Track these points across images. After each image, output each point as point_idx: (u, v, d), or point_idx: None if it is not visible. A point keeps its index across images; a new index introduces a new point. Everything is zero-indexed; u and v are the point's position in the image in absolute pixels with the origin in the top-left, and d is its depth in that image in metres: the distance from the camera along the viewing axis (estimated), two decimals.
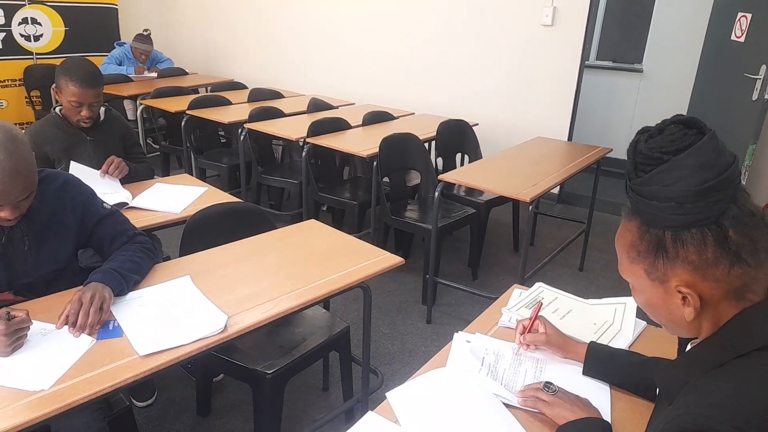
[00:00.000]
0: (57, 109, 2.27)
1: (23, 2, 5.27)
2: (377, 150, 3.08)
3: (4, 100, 5.37)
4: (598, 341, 1.28)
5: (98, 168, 2.21)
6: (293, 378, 1.80)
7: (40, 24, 5.45)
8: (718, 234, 0.73)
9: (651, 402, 1.11)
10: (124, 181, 2.26)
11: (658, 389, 0.98)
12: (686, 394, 0.76)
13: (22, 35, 5.34)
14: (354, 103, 4.66)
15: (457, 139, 3.75)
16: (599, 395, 1.16)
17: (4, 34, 5.23)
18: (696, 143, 0.73)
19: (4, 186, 1.31)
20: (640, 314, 1.23)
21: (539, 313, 1.30)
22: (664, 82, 5.07)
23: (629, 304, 1.46)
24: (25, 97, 5.45)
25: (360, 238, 1.90)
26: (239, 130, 3.71)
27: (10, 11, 5.21)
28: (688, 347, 0.87)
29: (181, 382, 2.29)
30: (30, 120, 5.34)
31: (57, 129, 2.24)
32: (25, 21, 5.33)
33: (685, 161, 0.72)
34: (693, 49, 4.39)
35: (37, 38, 5.46)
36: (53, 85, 2.24)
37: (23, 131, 1.96)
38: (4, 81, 5.34)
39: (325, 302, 2.08)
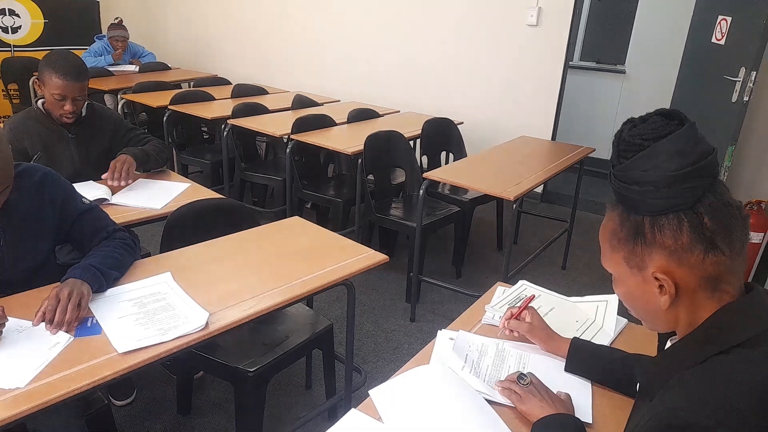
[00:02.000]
0: (39, 102, 2.17)
1: None
2: (362, 147, 3.07)
3: None
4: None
5: (79, 166, 2.16)
6: (276, 376, 1.78)
7: (18, 15, 5.34)
8: (693, 220, 0.75)
9: (632, 398, 1.12)
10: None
11: (639, 385, 0.99)
12: (668, 390, 0.76)
13: None
14: (339, 101, 4.64)
15: (442, 137, 3.76)
16: (581, 390, 1.17)
17: None
18: (675, 131, 0.76)
19: None
20: (622, 311, 1.24)
21: (530, 305, 1.31)
22: (647, 83, 5.14)
23: (611, 301, 1.47)
24: (2, 90, 5.34)
25: (344, 236, 1.89)
26: (222, 126, 3.67)
27: None
28: (668, 344, 0.88)
29: (161, 380, 2.26)
30: (7, 114, 5.23)
31: (38, 124, 2.15)
32: (2, 12, 5.22)
33: (664, 147, 0.75)
34: (675, 51, 4.45)
35: (15, 30, 5.35)
36: (34, 78, 2.17)
37: (1, 124, 1.91)
38: None
39: (308, 300, 2.07)
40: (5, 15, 5.25)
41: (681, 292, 0.78)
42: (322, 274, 1.60)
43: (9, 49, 5.33)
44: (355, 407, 1.09)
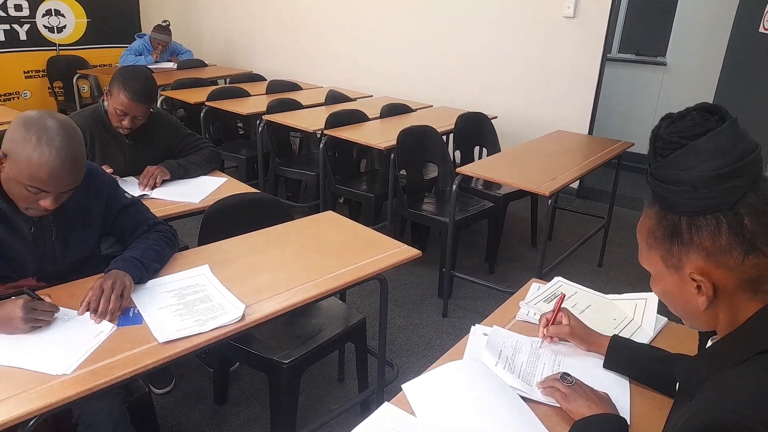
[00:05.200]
0: (105, 103, 2.20)
1: None
2: (395, 142, 3.07)
3: (28, 90, 5.46)
4: None
5: (129, 170, 2.21)
6: (309, 368, 1.81)
7: (63, 15, 5.52)
8: (732, 221, 0.72)
9: (671, 398, 1.09)
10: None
11: (678, 385, 0.97)
12: (708, 390, 0.74)
13: (45, 27, 5.42)
14: (372, 96, 4.65)
15: (476, 132, 3.72)
16: (619, 390, 1.15)
17: (28, 25, 5.31)
18: (715, 129, 0.73)
19: (61, 173, 1.32)
20: (662, 310, 1.21)
21: (562, 305, 1.29)
22: (689, 76, 4.97)
23: (650, 299, 1.44)
24: (48, 88, 5.54)
25: (376, 231, 1.90)
26: (257, 122, 3.72)
27: (34, 3, 5.28)
28: (709, 343, 0.86)
29: (198, 370, 2.32)
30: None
31: (100, 123, 2.18)
32: (48, 13, 5.41)
33: (702, 146, 0.72)
34: (718, 42, 4.28)
35: (60, 29, 5.53)
36: (106, 88, 2.18)
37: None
38: (29, 72, 5.43)
39: (341, 293, 2.09)
40: (51, 15, 5.43)
41: (720, 293, 0.76)
42: (355, 269, 1.61)
43: (55, 48, 5.52)
44: (387, 401, 1.10)
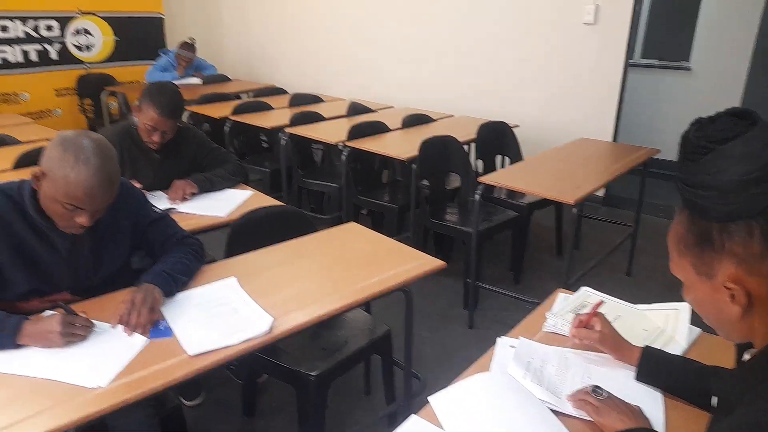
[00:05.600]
0: (135, 119, 2.26)
1: (76, 14, 5.51)
2: (416, 153, 3.08)
3: (59, 108, 5.62)
4: None
5: (158, 183, 2.25)
6: (335, 381, 1.81)
7: (91, 34, 5.68)
8: (765, 227, 0.71)
9: (706, 411, 1.07)
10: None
11: (715, 399, 0.94)
12: (748, 404, 0.73)
13: (75, 46, 5.58)
14: (393, 107, 4.67)
15: (498, 141, 3.71)
16: (652, 403, 1.13)
17: (59, 45, 5.47)
18: (744, 133, 0.71)
19: (97, 191, 1.36)
20: (695, 321, 1.19)
21: (599, 311, 1.28)
22: (714, 80, 4.89)
23: (683, 309, 1.41)
24: (78, 105, 5.69)
25: (400, 242, 1.90)
26: (280, 135, 3.77)
27: (64, 23, 5.45)
28: (746, 356, 0.84)
29: (226, 382, 2.34)
30: (83, 128, 5.57)
31: (130, 138, 2.26)
32: (78, 32, 5.57)
33: (731, 151, 0.71)
34: (744, 45, 4.22)
35: (89, 48, 5.69)
36: (136, 104, 2.24)
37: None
38: (60, 90, 5.58)
39: (366, 305, 2.09)
40: (80, 34, 5.59)
41: (754, 301, 0.74)
42: (380, 280, 1.61)
43: (84, 66, 5.68)
44: (414, 413, 1.10)
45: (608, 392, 1.09)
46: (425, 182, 3.22)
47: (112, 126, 2.42)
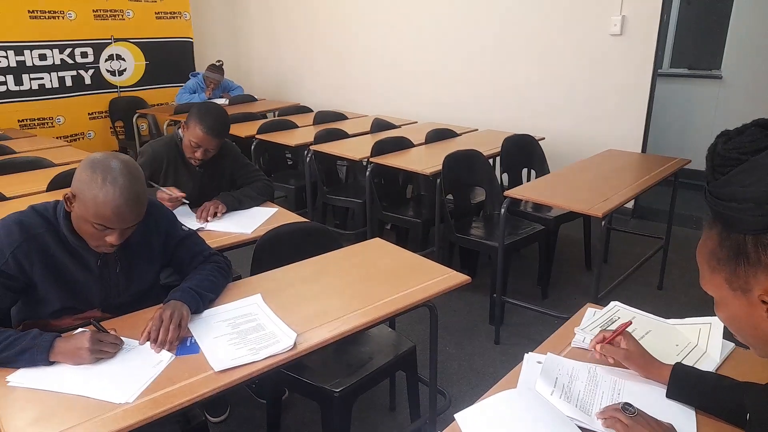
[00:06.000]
0: (181, 134, 2.35)
1: (110, 40, 5.71)
2: (440, 167, 3.08)
3: (92, 131, 5.81)
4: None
5: (196, 197, 2.30)
6: (360, 397, 1.80)
7: (123, 59, 5.88)
8: None
9: (741, 429, 1.02)
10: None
11: (749, 416, 0.91)
12: None
13: (108, 71, 5.78)
14: (416, 122, 4.69)
15: (523, 154, 3.68)
16: (684, 420, 1.09)
17: (93, 70, 5.68)
18: None
19: (125, 210, 1.40)
20: (728, 335, 1.15)
21: (627, 330, 1.24)
22: (746, 88, 4.78)
23: (715, 324, 1.36)
24: (110, 128, 5.88)
25: (424, 257, 1.89)
26: (305, 152, 3.81)
27: (98, 49, 5.66)
28: None
29: (251, 399, 2.35)
30: (114, 149, 5.74)
31: (174, 151, 2.35)
32: (111, 57, 5.77)
33: (764, 161, 0.69)
34: None
35: (121, 72, 5.89)
36: (183, 122, 2.31)
37: (146, 144, 2.13)
38: (93, 113, 5.78)
39: (390, 321, 2.08)
40: (113, 60, 5.79)
41: None
42: (404, 295, 1.61)
43: (116, 90, 5.87)
44: (440, 431, 1.08)
45: (639, 409, 1.06)
46: (450, 197, 3.21)
47: (158, 138, 2.52)
